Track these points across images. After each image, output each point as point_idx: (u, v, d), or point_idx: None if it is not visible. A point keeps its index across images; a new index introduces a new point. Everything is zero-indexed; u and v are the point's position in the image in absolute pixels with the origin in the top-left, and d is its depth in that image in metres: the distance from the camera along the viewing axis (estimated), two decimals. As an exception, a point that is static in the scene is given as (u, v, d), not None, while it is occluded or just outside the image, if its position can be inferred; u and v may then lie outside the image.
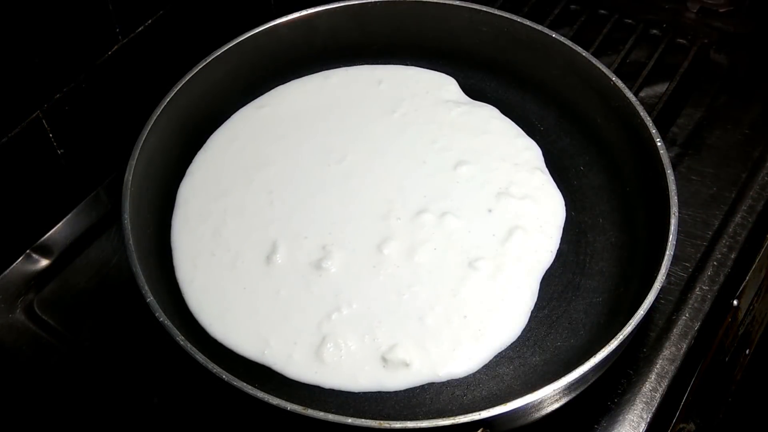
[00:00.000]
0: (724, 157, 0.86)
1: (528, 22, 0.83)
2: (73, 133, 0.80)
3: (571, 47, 0.80)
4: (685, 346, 0.72)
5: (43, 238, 0.82)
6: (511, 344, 0.68)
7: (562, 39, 0.81)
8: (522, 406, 0.58)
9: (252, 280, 0.71)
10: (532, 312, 0.70)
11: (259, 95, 0.86)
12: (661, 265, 0.64)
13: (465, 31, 0.86)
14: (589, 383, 0.63)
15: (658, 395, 0.69)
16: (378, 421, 0.56)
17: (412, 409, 0.65)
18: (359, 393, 0.65)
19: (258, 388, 0.58)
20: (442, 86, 0.86)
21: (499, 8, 0.85)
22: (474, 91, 0.86)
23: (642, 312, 0.61)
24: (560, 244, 0.74)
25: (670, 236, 0.65)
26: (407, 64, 0.88)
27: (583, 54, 0.79)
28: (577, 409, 0.66)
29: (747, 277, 0.80)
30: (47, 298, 0.78)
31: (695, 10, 1.00)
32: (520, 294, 0.70)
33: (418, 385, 0.66)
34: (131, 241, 0.66)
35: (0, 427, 0.71)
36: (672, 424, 0.71)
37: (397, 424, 0.56)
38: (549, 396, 0.59)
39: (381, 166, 0.79)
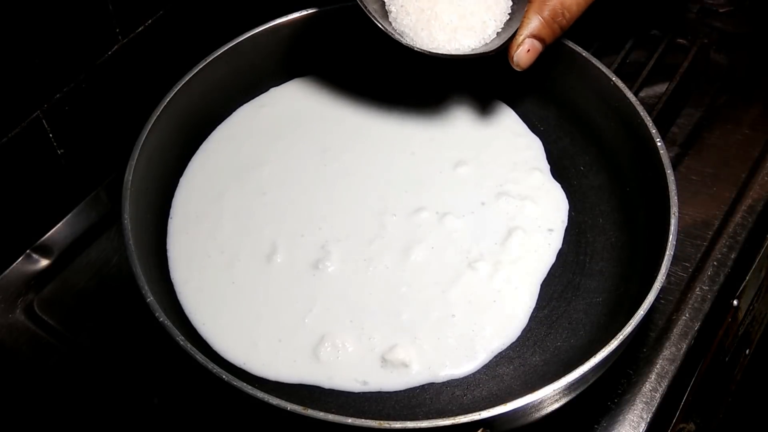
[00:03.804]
0: (724, 157, 0.86)
1: (528, 22, 0.82)
2: (73, 133, 0.80)
3: (571, 47, 0.80)
4: (685, 346, 0.72)
5: (43, 238, 0.82)
6: (511, 344, 0.68)
7: (562, 39, 0.81)
8: (522, 406, 0.58)
9: (246, 281, 0.71)
10: (532, 312, 0.70)
11: (258, 95, 0.86)
12: (661, 265, 0.64)
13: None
14: (589, 383, 0.63)
15: (658, 395, 0.69)
16: (378, 421, 0.56)
17: (412, 409, 0.65)
18: (359, 393, 0.65)
19: (258, 388, 0.58)
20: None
21: (499, 8, 0.84)
22: (474, 91, 0.86)
23: (642, 312, 0.61)
24: (560, 244, 0.74)
25: (670, 236, 0.65)
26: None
27: (583, 54, 0.79)
28: (577, 409, 0.66)
29: (747, 277, 0.80)
30: (47, 298, 0.78)
31: (695, 11, 1.00)
32: (520, 294, 0.70)
33: (417, 385, 0.65)
34: (131, 242, 0.66)
35: (0, 427, 0.71)
36: (672, 424, 0.71)
37: (397, 424, 0.56)
38: (549, 396, 0.58)
39: (380, 164, 0.79)
